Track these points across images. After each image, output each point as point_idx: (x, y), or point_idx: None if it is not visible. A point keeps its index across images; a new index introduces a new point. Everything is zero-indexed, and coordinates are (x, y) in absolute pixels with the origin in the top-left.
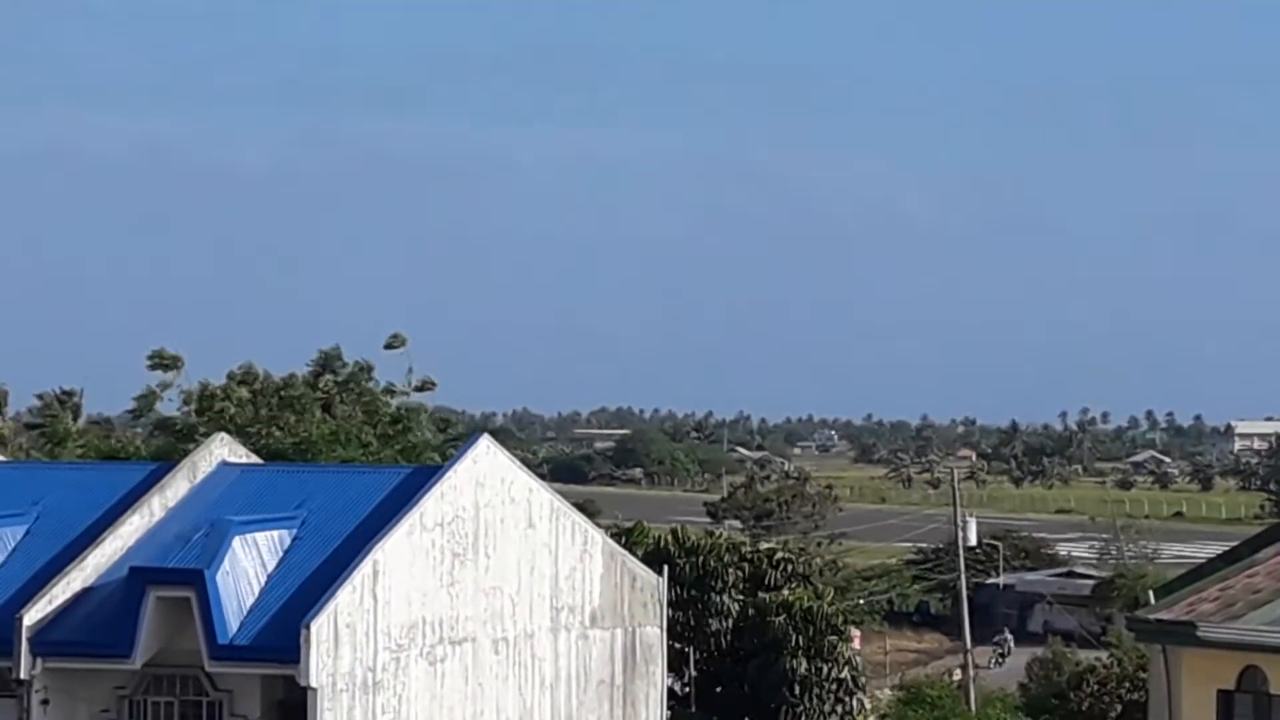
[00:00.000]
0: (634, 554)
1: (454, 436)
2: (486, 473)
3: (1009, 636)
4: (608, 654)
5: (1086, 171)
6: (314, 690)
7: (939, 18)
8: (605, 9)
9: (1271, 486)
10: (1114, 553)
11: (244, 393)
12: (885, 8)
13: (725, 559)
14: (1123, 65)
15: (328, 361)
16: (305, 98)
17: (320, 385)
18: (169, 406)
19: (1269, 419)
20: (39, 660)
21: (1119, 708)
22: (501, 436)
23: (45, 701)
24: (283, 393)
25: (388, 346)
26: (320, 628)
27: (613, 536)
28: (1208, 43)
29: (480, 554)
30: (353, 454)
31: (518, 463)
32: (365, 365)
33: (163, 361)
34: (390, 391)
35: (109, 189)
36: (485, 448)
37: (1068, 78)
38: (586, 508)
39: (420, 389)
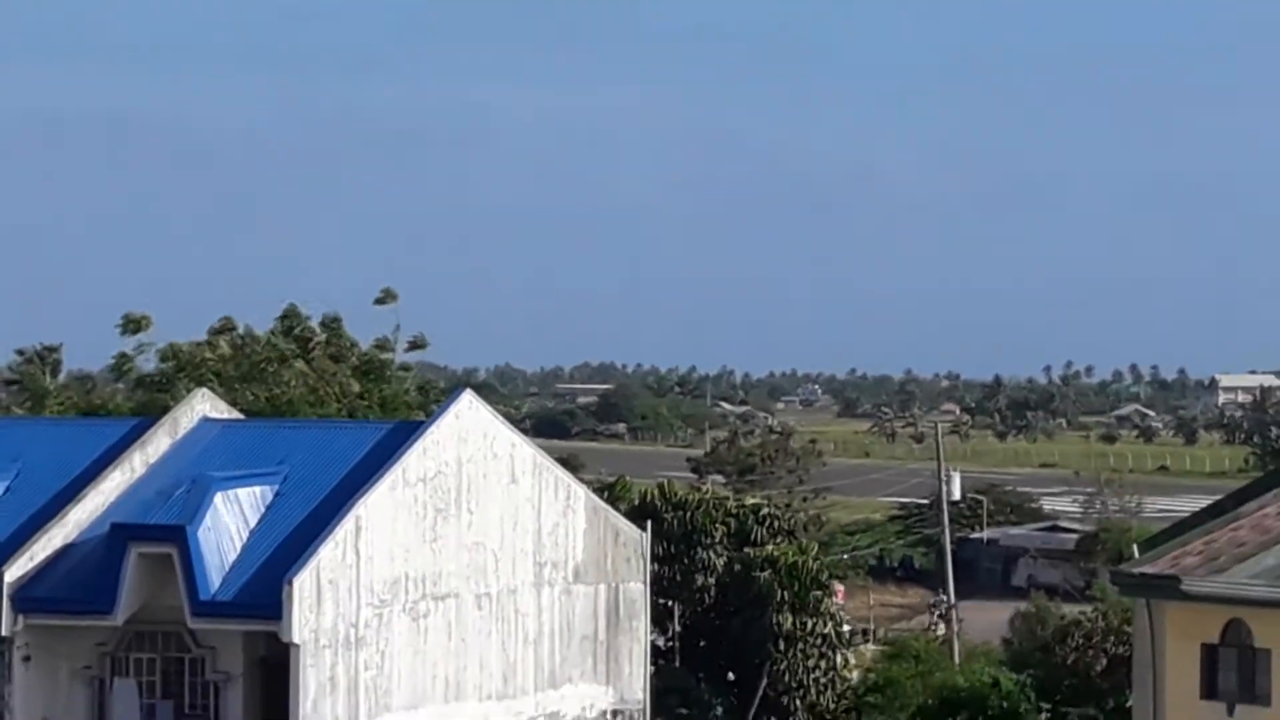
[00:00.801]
0: (617, 509)
1: (437, 392)
2: (469, 428)
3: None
4: (591, 609)
5: (1068, 131)
6: (296, 646)
7: None
8: None
9: (1255, 440)
10: (1098, 507)
11: (226, 347)
12: None
13: (712, 514)
14: (1104, 27)
15: (290, 318)
16: (277, 59)
17: (298, 339)
18: (147, 366)
19: (1253, 372)
20: (20, 617)
21: (1104, 662)
22: (484, 392)
23: (27, 658)
24: (259, 349)
25: (378, 302)
26: (303, 584)
27: (596, 492)
28: (1193, 8)
29: (463, 509)
30: (332, 409)
31: (500, 418)
32: (333, 318)
33: (132, 323)
34: (381, 347)
35: (82, 149)
36: (468, 403)
37: (1045, 38)
38: (569, 463)
39: (412, 347)
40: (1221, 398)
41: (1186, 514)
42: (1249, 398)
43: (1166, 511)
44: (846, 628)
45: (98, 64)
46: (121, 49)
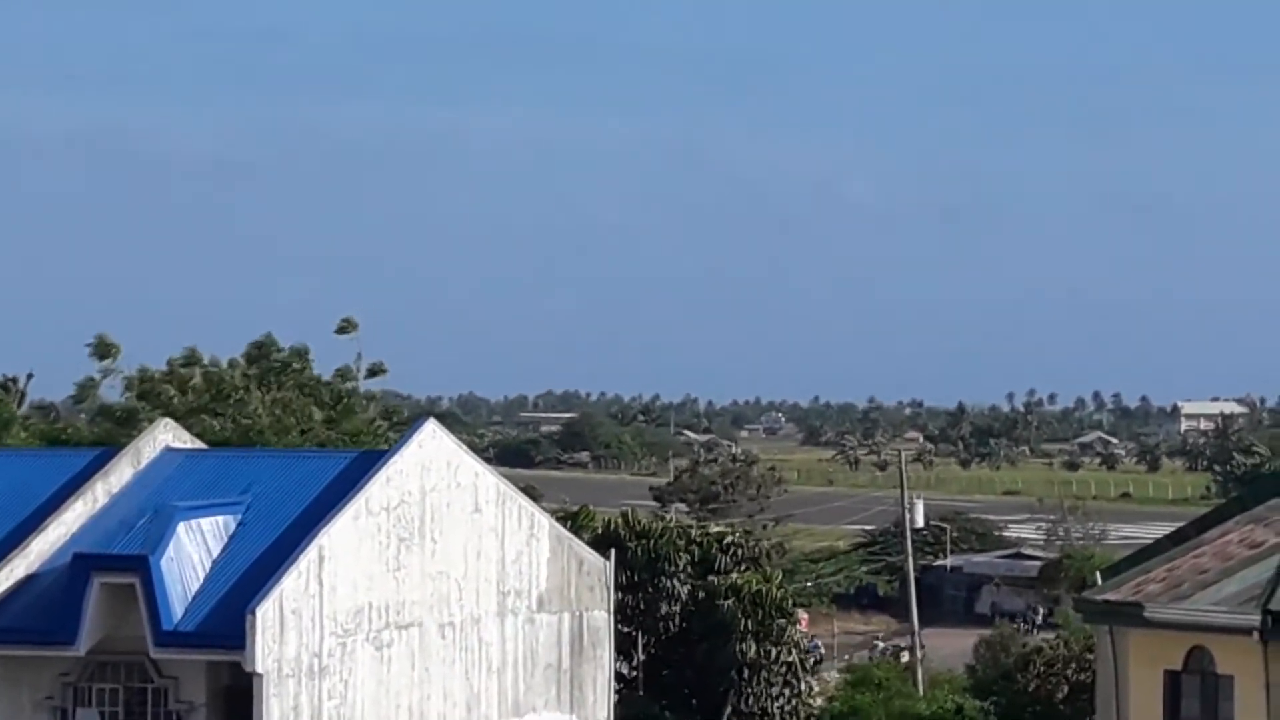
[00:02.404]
0: (581, 538)
1: (400, 421)
2: (432, 457)
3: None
4: (555, 638)
5: (1030, 154)
6: (259, 676)
7: (880, 2)
8: None
9: (1217, 467)
10: (1061, 534)
11: (197, 377)
12: None
13: (675, 543)
14: (1066, 49)
15: (261, 349)
16: (248, 80)
17: (262, 369)
18: (111, 393)
19: (1215, 399)
20: None
21: (1066, 689)
22: (447, 421)
23: None
24: (223, 379)
25: (339, 331)
26: (266, 613)
27: (560, 520)
28: (1150, 29)
29: (426, 538)
30: (295, 439)
31: (464, 447)
32: (301, 349)
33: (103, 348)
34: (342, 376)
35: (49, 173)
36: (431, 432)
37: (1012, 61)
38: (532, 491)
39: (371, 374)
40: (1184, 425)
41: (1149, 541)
42: (1211, 425)
43: (1129, 539)
44: (821, 649)
45: (66, 87)
46: (91, 73)
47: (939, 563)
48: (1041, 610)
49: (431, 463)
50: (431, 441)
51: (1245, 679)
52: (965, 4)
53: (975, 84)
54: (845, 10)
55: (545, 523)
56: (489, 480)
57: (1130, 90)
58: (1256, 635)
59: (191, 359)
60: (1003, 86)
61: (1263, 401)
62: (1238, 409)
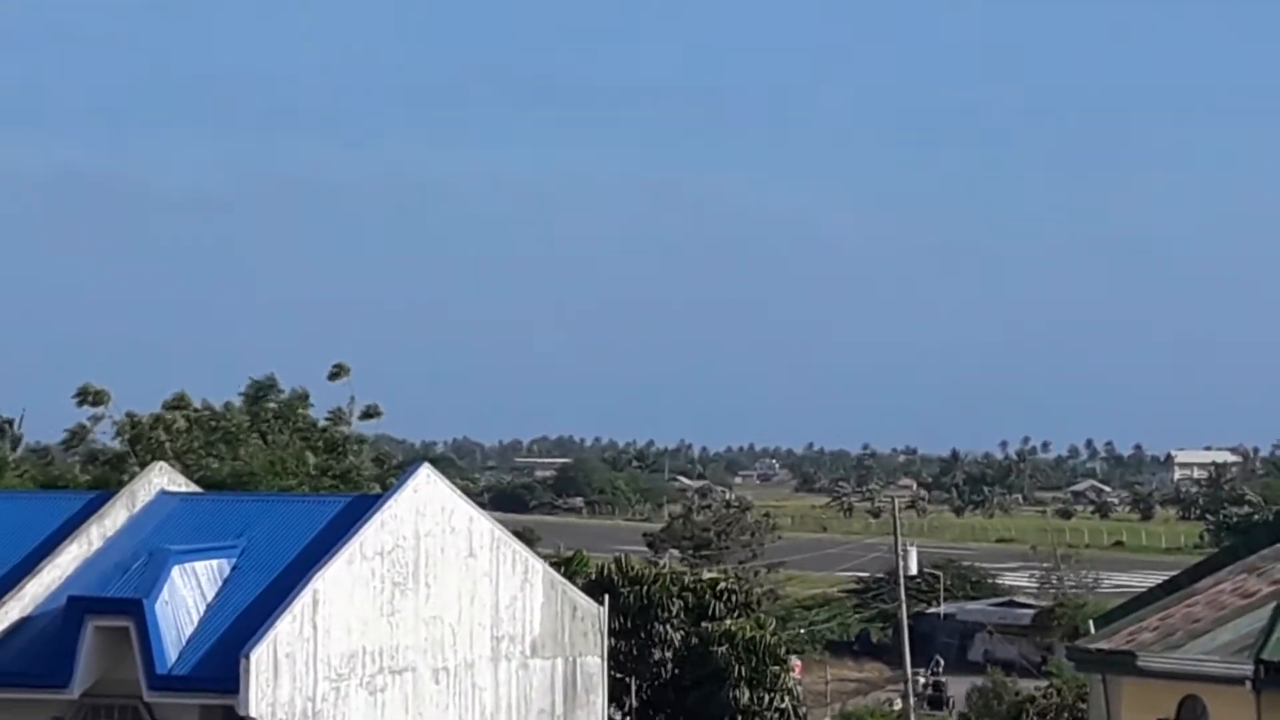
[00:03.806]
0: (575, 583)
1: (394, 466)
2: (427, 501)
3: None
4: (548, 683)
5: (1020, 198)
6: None
7: (861, 42)
8: (529, 34)
9: (1210, 516)
10: (1054, 582)
11: (181, 421)
12: (808, 32)
13: (669, 589)
14: (1050, 90)
15: (262, 390)
16: (232, 123)
17: (257, 413)
18: (103, 438)
19: (1208, 448)
20: None
21: None
22: (442, 465)
23: None
24: (217, 422)
25: (331, 377)
26: (260, 657)
27: (553, 565)
28: (1131, 69)
29: (421, 583)
30: (291, 483)
31: (458, 491)
32: (301, 393)
33: (90, 396)
34: (336, 419)
35: (37, 214)
36: (426, 476)
37: (994, 102)
38: (526, 536)
39: (366, 416)
40: (1177, 474)
41: (1142, 590)
42: (1204, 474)
43: (1122, 587)
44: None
45: (53, 127)
46: (77, 112)
47: (932, 610)
48: (1038, 657)
49: (426, 507)
50: (426, 486)
51: None
52: (946, 45)
53: (963, 123)
54: (824, 48)
55: (539, 568)
56: (483, 525)
57: (1119, 129)
58: (1249, 685)
59: (181, 402)
60: (992, 126)
61: (1256, 451)
62: (1231, 458)
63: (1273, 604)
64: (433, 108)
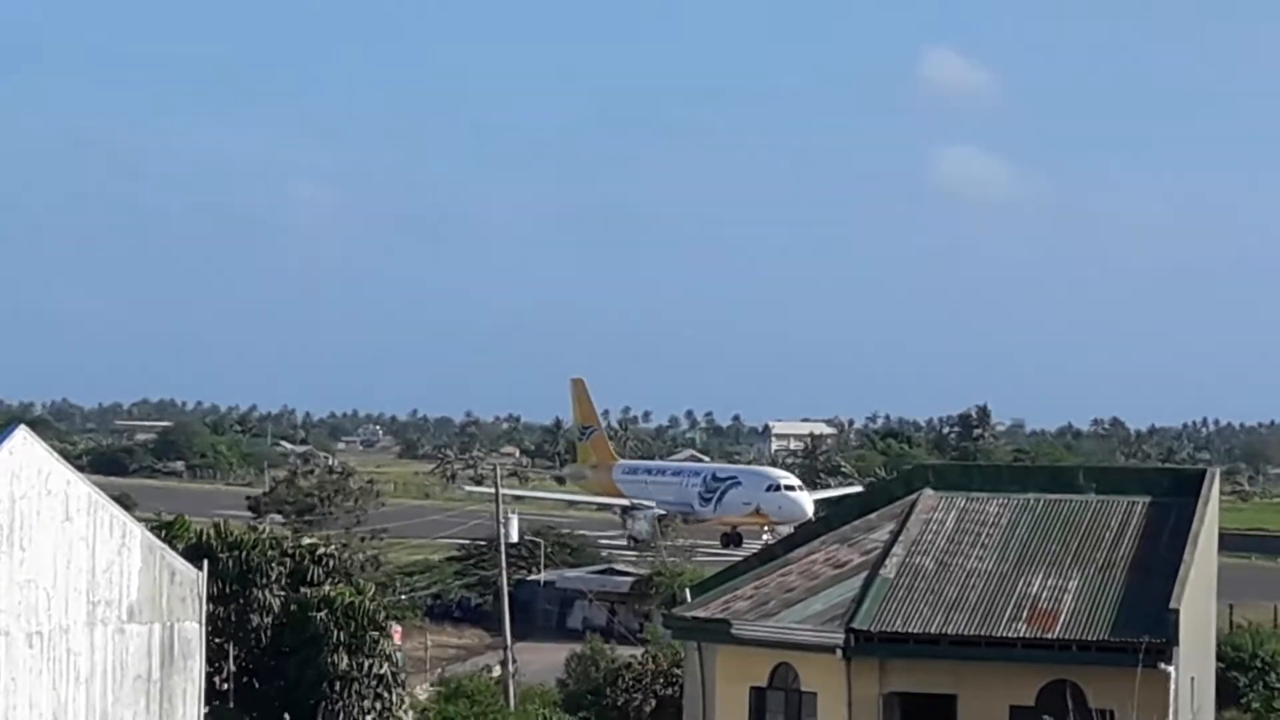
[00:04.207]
0: (175, 548)
1: None
2: (23, 464)
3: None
4: (145, 649)
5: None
6: None
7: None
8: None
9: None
10: (653, 549)
11: None
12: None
13: (268, 554)
14: (542, 70)
15: None
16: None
17: None
18: None
19: (805, 420)
20: None
21: (653, 703)
22: (39, 428)
23: None
24: None
25: None
26: None
27: (153, 530)
28: (631, 51)
29: (15, 546)
30: None
31: (55, 454)
32: None
33: None
34: None
35: None
36: (22, 439)
37: (463, 83)
38: (126, 500)
39: None
40: (774, 444)
41: (739, 558)
42: (801, 444)
43: (720, 555)
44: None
45: None
46: None
47: (532, 577)
48: (636, 624)
49: (22, 470)
50: (22, 448)
51: (828, 696)
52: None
53: (433, 104)
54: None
55: (137, 532)
56: (81, 489)
57: (626, 110)
58: (839, 653)
59: None
60: (477, 112)
61: (851, 423)
62: (827, 430)
63: (863, 574)
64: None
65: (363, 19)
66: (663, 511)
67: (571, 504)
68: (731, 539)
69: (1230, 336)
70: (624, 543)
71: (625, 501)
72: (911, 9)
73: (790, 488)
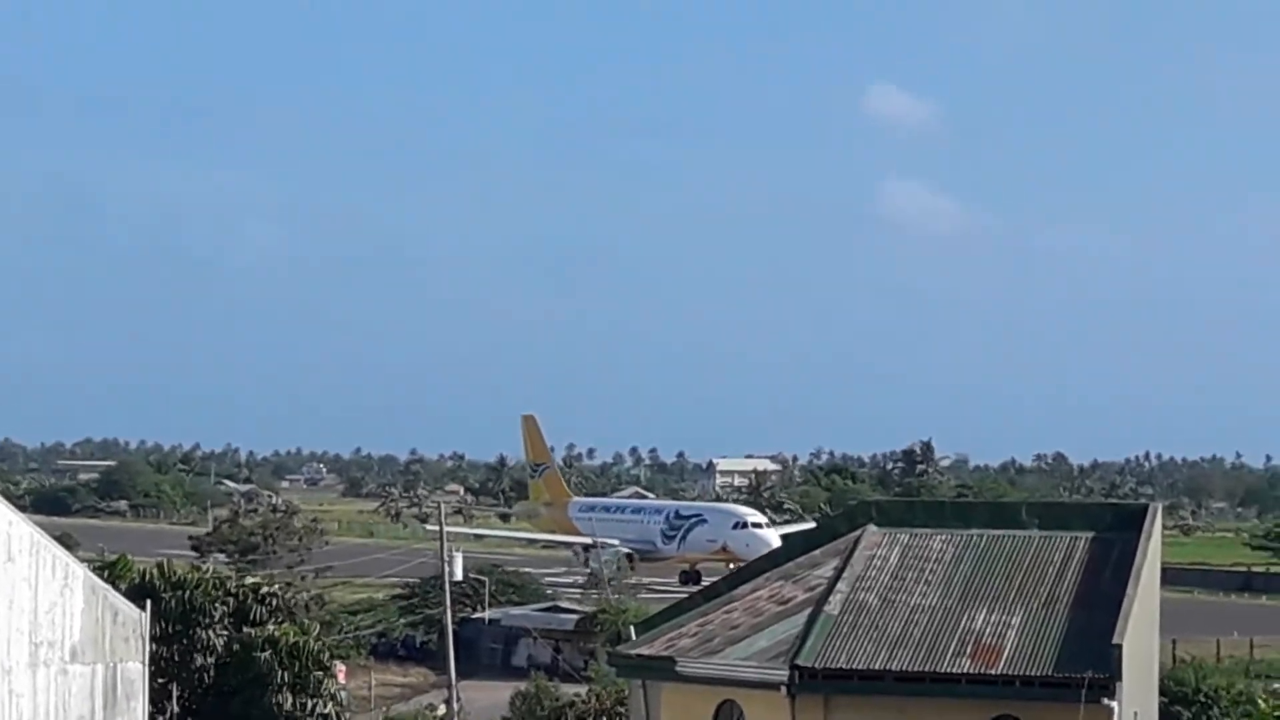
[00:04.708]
0: (118, 588)
1: None
2: None
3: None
4: (88, 690)
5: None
6: None
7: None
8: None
9: None
10: (594, 586)
11: None
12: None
13: (211, 594)
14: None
15: None
16: None
17: None
18: None
19: (749, 456)
20: None
21: None
22: None
23: None
24: None
25: None
26: None
27: (96, 570)
28: (572, 86)
29: None
30: None
31: None
32: None
33: None
34: None
35: None
36: None
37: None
38: (68, 540)
39: None
40: (719, 480)
41: (684, 595)
42: (745, 480)
43: (666, 593)
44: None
45: None
46: None
47: (477, 615)
48: (580, 662)
49: None
50: None
51: None
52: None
53: (382, 137)
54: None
55: (80, 573)
56: (22, 529)
57: (571, 145)
58: (784, 690)
59: None
60: (410, 142)
61: (795, 459)
62: (771, 466)
63: (808, 610)
64: None
65: (310, 57)
66: (628, 550)
67: (532, 542)
68: (691, 577)
69: (1173, 371)
70: (570, 580)
71: (587, 540)
72: (855, 44)
73: (758, 525)
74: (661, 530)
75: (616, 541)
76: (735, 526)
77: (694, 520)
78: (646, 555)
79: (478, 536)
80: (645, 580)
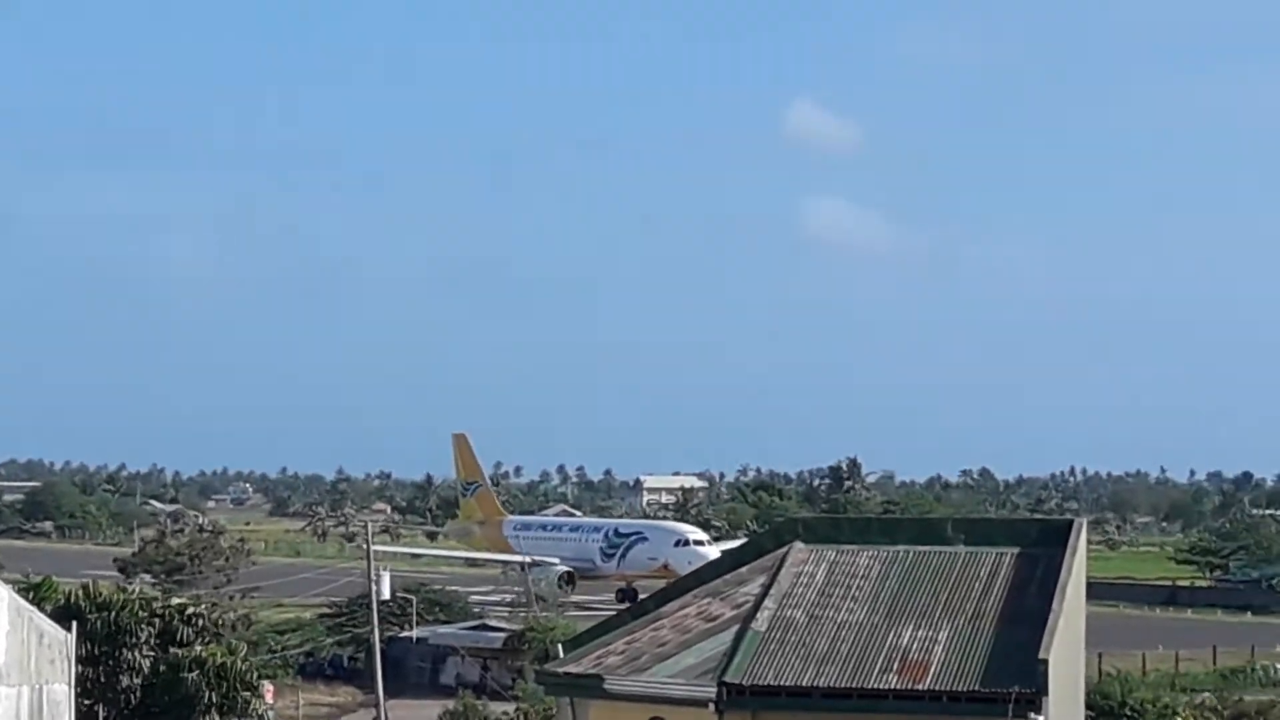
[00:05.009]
0: (43, 609)
1: None
2: None
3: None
4: (13, 712)
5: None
6: None
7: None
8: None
9: None
10: (524, 605)
11: None
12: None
13: (138, 615)
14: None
15: None
16: None
17: None
18: None
19: (676, 473)
20: None
21: None
22: None
23: None
24: None
25: None
26: None
27: (21, 592)
28: (499, 95)
29: None
30: None
31: None
32: None
33: None
34: None
35: None
36: None
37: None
38: None
39: None
40: (646, 498)
41: (611, 613)
42: (672, 498)
43: (593, 610)
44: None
45: None
46: None
47: (405, 634)
48: (509, 680)
49: None
50: None
51: None
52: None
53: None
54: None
55: (4, 594)
56: None
57: (492, 163)
58: (712, 707)
59: None
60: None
61: (722, 476)
62: (698, 483)
63: (735, 627)
64: None
65: (241, 73)
66: (568, 569)
67: (471, 562)
68: (628, 595)
69: (1097, 387)
70: (498, 598)
71: (525, 558)
72: (775, 62)
73: (699, 542)
74: (600, 548)
75: (556, 560)
76: (677, 544)
77: (634, 538)
78: (585, 573)
79: (414, 556)
80: (578, 599)
